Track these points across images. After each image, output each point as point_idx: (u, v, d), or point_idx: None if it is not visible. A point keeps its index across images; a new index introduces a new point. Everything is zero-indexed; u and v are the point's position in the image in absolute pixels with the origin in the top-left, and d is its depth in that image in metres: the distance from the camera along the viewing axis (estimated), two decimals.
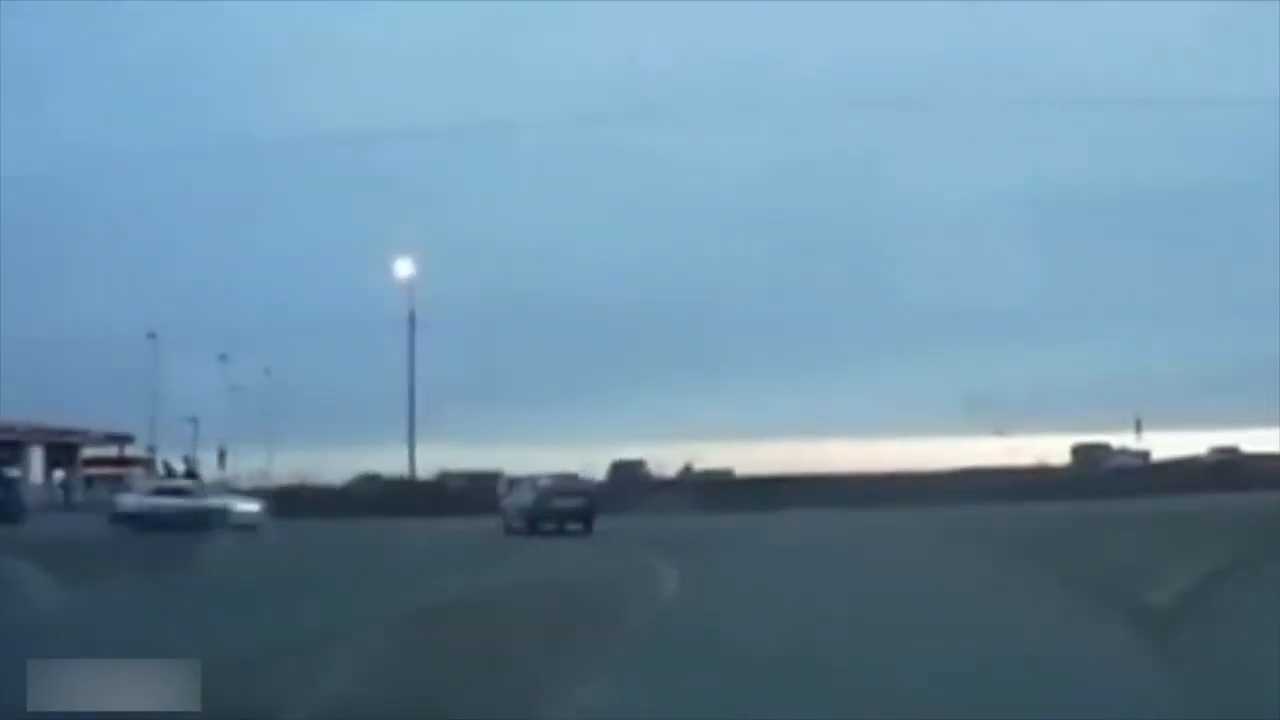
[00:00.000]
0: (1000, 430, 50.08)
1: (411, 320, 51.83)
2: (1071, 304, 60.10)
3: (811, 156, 62.13)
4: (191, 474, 54.57)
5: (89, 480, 62.47)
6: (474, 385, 59.45)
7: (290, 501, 45.97)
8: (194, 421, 59.58)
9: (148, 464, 60.18)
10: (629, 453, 52.45)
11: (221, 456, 60.76)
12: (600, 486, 43.78)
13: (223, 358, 58.97)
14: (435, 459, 52.91)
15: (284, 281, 63.16)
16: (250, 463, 58.31)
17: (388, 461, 53.10)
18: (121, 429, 62.59)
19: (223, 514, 34.68)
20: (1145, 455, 52.45)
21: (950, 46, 60.06)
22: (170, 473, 56.11)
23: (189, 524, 32.48)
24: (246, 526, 33.96)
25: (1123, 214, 59.71)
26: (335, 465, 52.61)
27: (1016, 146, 61.08)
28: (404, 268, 53.42)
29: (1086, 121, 59.83)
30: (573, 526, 31.51)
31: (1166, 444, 52.66)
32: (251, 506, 36.77)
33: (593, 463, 50.50)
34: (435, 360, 56.23)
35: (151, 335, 57.89)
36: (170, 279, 64.27)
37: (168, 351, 59.58)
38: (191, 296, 63.11)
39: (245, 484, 56.40)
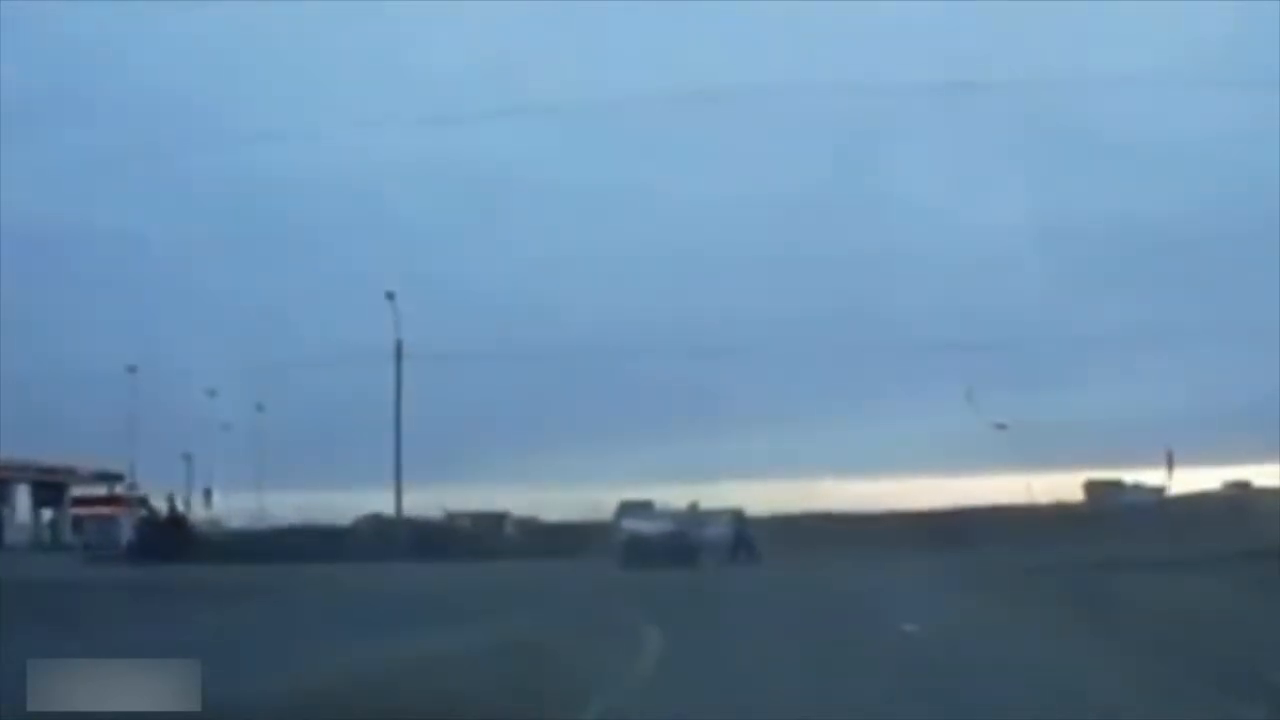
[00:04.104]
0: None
1: (398, 352, 51.71)
2: (1085, 337, 60.22)
3: (819, 190, 62.57)
4: (175, 513, 54.40)
5: (77, 520, 62.42)
6: (478, 426, 59.76)
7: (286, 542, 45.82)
8: (188, 459, 59.65)
9: (138, 502, 60.10)
10: (636, 494, 52.09)
11: (207, 495, 60.69)
12: None
13: (212, 393, 59.15)
14: (436, 499, 52.78)
15: (275, 319, 63.38)
16: (241, 502, 58.32)
17: (385, 501, 53.00)
18: (112, 468, 62.63)
19: None
20: (1160, 491, 52.36)
21: (962, 69, 60.39)
22: (151, 512, 56.00)
23: None
24: None
25: (1139, 247, 60.01)
26: (328, 505, 52.39)
27: (1031, 177, 61.48)
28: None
29: (1099, 154, 60.47)
30: None
31: (1178, 479, 52.71)
32: None
33: (599, 504, 50.60)
34: (437, 401, 56.48)
35: (132, 369, 57.96)
36: (162, 316, 64.52)
37: (158, 389, 59.82)
38: (183, 334, 63.36)
39: (237, 523, 56.60)
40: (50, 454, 60.74)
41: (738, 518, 43.72)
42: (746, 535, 41.97)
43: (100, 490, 63.93)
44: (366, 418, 54.44)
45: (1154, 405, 54.96)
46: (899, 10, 56.12)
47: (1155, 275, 60.10)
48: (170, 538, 48.33)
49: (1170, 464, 51.89)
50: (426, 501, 52.35)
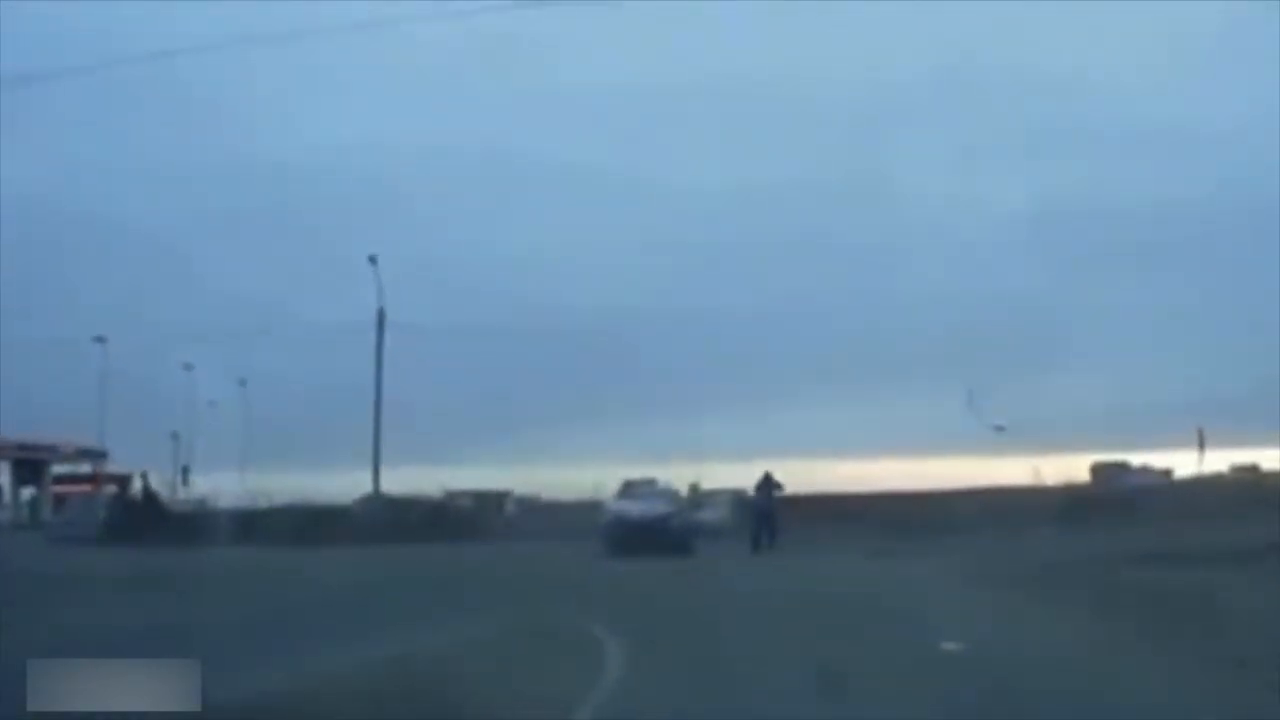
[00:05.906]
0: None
1: (380, 320, 51.55)
2: (1090, 322, 60.68)
3: (826, 172, 63.17)
4: (148, 491, 54.26)
5: (58, 499, 62.36)
6: (483, 404, 60.16)
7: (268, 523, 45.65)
8: (175, 437, 59.79)
9: (110, 480, 60.13)
10: (639, 473, 51.71)
11: (184, 474, 60.72)
12: None
13: (187, 367, 59.29)
14: (441, 478, 52.71)
15: (262, 296, 63.53)
16: (224, 481, 58.30)
17: (390, 479, 52.79)
18: (95, 445, 62.70)
19: None
20: (1168, 473, 52.45)
21: (969, 58, 60.81)
22: (124, 491, 55.84)
23: None
24: None
25: (1143, 232, 60.51)
26: (330, 484, 52.28)
27: (1034, 160, 61.98)
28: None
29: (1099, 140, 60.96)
30: None
31: (1182, 461, 53.01)
32: None
33: (602, 482, 50.69)
34: (438, 379, 56.66)
35: (100, 339, 57.93)
36: (150, 297, 64.69)
37: (143, 367, 59.99)
38: (167, 310, 63.51)
39: (226, 503, 56.55)
40: (32, 431, 60.79)
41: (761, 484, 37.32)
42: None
43: (84, 468, 64.07)
44: (352, 395, 54.44)
45: (1158, 390, 55.45)
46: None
47: (1156, 264, 60.68)
48: (142, 517, 48.03)
49: (1201, 443, 52.01)
50: (424, 480, 52.37)
